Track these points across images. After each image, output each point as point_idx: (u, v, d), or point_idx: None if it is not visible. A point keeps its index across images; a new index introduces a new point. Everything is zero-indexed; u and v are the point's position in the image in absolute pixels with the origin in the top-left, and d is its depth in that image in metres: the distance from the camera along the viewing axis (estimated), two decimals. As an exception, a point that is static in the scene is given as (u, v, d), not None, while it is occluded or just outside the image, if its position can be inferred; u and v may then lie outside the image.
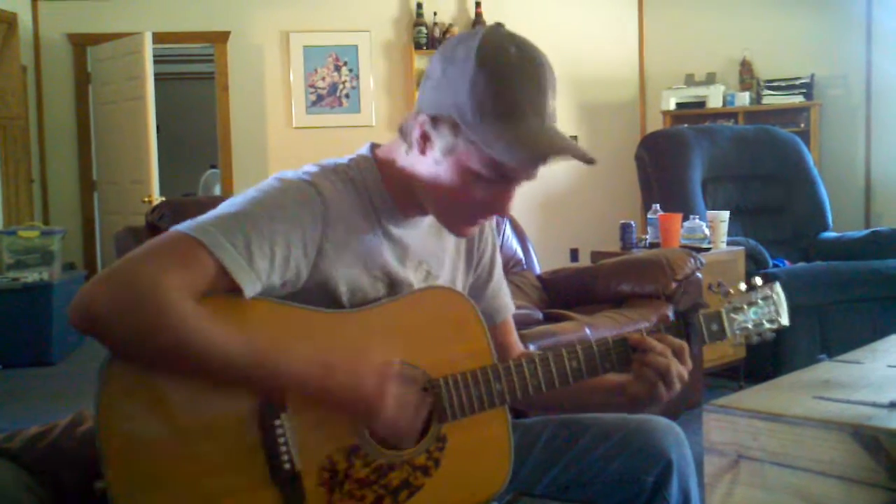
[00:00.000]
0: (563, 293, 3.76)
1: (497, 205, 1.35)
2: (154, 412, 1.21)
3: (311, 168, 1.38)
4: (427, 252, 1.47)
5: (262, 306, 1.28)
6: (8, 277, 5.68)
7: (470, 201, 1.34)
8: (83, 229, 7.01)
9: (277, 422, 1.25)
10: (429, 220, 1.48)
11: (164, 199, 5.79)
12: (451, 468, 1.36)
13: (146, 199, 6.17)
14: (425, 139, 1.32)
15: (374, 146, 1.45)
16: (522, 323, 2.94)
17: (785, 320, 1.51)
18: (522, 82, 1.26)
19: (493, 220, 1.60)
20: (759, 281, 1.51)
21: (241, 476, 1.24)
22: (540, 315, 3.20)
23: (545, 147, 1.27)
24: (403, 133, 1.36)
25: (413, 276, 1.44)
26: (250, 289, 1.24)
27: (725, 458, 1.11)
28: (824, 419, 1.04)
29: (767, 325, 1.50)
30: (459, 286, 1.54)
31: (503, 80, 1.26)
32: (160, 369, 1.20)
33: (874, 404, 1.10)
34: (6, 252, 5.86)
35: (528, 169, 1.31)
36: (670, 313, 3.24)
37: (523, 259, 3.90)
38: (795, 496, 1.05)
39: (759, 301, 1.50)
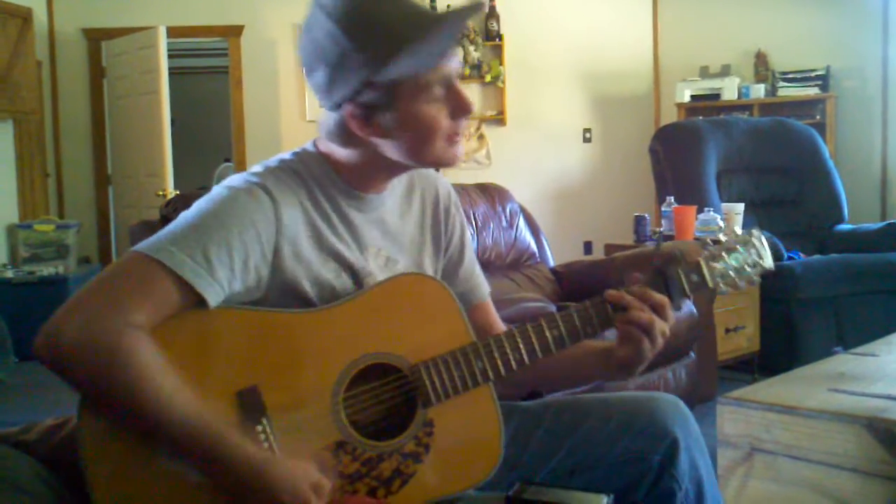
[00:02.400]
0: (576, 286, 3.75)
1: (459, 108, 1.36)
2: (133, 441, 1.21)
3: (256, 169, 1.39)
4: (387, 238, 1.47)
5: (232, 315, 1.28)
6: (24, 271, 5.71)
7: (438, 127, 1.35)
8: (98, 223, 7.04)
9: (259, 427, 1.25)
10: (392, 203, 1.49)
11: (178, 192, 5.81)
12: (443, 452, 1.35)
13: (160, 193, 6.19)
14: (365, 123, 1.33)
15: (316, 140, 1.46)
16: (536, 316, 2.94)
17: (768, 263, 1.47)
18: (392, 12, 1.28)
19: (458, 199, 1.62)
20: (738, 230, 1.49)
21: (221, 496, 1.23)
22: (553, 308, 3.20)
23: (436, 24, 1.28)
24: (333, 137, 1.37)
25: (373, 264, 1.43)
26: (213, 299, 1.24)
27: (739, 451, 1.11)
28: (838, 412, 1.04)
29: (750, 270, 1.46)
30: (429, 270, 1.53)
31: (360, 13, 1.28)
32: (117, 414, 1.20)
33: (889, 397, 1.09)
34: (22, 246, 5.90)
35: (444, 53, 1.31)
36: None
37: (537, 252, 3.90)
38: (809, 489, 1.05)
39: (738, 247, 1.47)
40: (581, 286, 3.73)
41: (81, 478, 1.21)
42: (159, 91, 6.29)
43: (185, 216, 1.30)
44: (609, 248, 4.49)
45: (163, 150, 6.30)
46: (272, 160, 1.42)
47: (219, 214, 1.29)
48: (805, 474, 1.05)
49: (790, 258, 4.60)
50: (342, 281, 1.39)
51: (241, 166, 7.02)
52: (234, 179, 1.36)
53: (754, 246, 1.48)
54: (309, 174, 1.40)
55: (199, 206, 1.32)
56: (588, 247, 7.18)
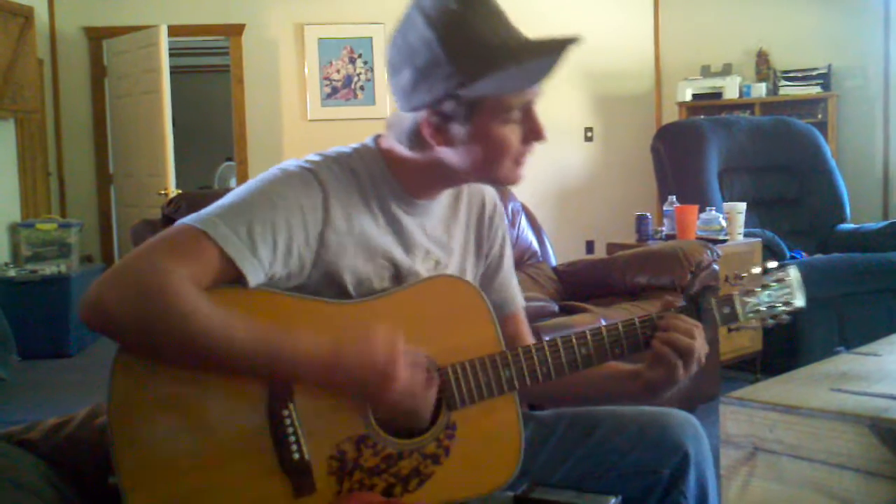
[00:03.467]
0: (578, 285, 3.75)
1: (533, 134, 1.37)
2: (164, 405, 1.22)
3: (312, 157, 1.38)
4: (435, 242, 1.47)
5: (268, 297, 1.29)
6: (26, 270, 5.72)
7: (509, 149, 1.35)
8: (100, 222, 7.04)
9: (286, 411, 1.25)
10: (440, 209, 1.49)
11: (180, 191, 5.81)
12: (462, 456, 1.36)
13: (162, 192, 6.19)
14: (439, 131, 1.33)
15: (378, 137, 1.45)
16: (538, 315, 2.94)
17: (800, 302, 1.49)
18: (476, 16, 1.29)
19: (503, 209, 1.62)
20: (773, 264, 1.50)
21: (251, 466, 1.24)
22: (556, 307, 3.20)
23: (532, 52, 1.29)
24: (402, 138, 1.37)
25: (420, 267, 1.43)
26: (253, 277, 1.25)
27: (742, 451, 1.10)
28: (841, 411, 1.04)
29: (782, 308, 1.48)
30: (469, 276, 1.53)
31: (459, 26, 1.28)
32: (172, 362, 1.21)
33: (892, 396, 1.09)
34: (24, 245, 5.90)
35: (535, 81, 1.32)
36: (682, 299, 3.23)
37: (539, 251, 3.90)
38: (812, 489, 1.05)
39: (773, 284, 1.48)
40: (583, 285, 3.74)
41: (85, 475, 1.21)
42: (161, 90, 6.29)
43: (236, 192, 1.31)
44: (611, 247, 4.48)
45: (164, 150, 6.30)
46: (331, 150, 1.42)
47: (268, 194, 1.30)
48: (808, 474, 1.05)
49: (792, 257, 4.60)
50: (382, 278, 1.39)
51: (242, 165, 7.02)
52: (289, 163, 1.37)
53: (788, 285, 1.49)
54: (365, 170, 1.40)
55: (250, 184, 1.33)
56: (590, 246, 7.18)
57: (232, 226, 1.24)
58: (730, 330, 1.52)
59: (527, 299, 2.50)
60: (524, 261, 3.82)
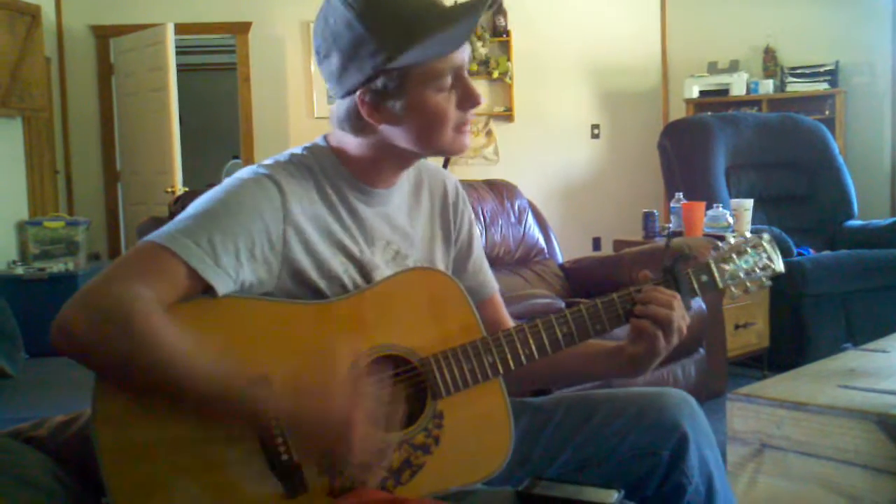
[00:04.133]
0: (585, 282, 3.75)
1: (467, 99, 1.38)
2: (148, 419, 1.22)
3: (266, 162, 1.40)
4: (396, 232, 1.47)
5: (241, 304, 1.29)
6: (34, 267, 5.73)
7: (447, 116, 1.37)
8: (107, 220, 7.06)
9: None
10: (401, 198, 1.50)
11: (186, 189, 5.82)
12: (452, 444, 1.36)
13: (169, 190, 6.20)
14: (376, 109, 1.34)
15: (327, 136, 1.47)
16: (544, 312, 2.93)
17: (779, 266, 1.50)
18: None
19: (465, 195, 1.63)
20: (747, 234, 1.51)
21: (242, 472, 1.24)
22: (562, 304, 3.20)
23: (451, 16, 1.31)
24: (344, 125, 1.39)
25: (379, 258, 1.43)
26: (221, 286, 1.25)
27: (749, 447, 1.10)
28: (849, 408, 1.04)
29: (761, 273, 1.49)
30: (440, 265, 1.54)
31: (376, 1, 1.30)
32: (138, 389, 1.21)
33: (900, 393, 1.09)
34: (32, 242, 5.92)
35: (458, 43, 1.34)
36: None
37: (545, 248, 3.90)
38: (819, 485, 1.05)
39: (749, 250, 1.49)
40: (590, 282, 3.73)
41: (93, 472, 1.21)
42: (167, 88, 6.30)
43: (194, 205, 1.32)
44: (618, 245, 4.48)
45: (171, 147, 6.31)
46: (283, 154, 1.44)
47: (226, 203, 1.31)
48: (815, 470, 1.05)
49: (800, 254, 4.59)
50: (350, 274, 1.39)
51: (249, 163, 7.00)
52: (244, 171, 1.38)
53: (765, 249, 1.50)
54: (319, 167, 1.41)
55: (207, 195, 1.33)
56: (597, 243, 7.17)
57: (193, 238, 1.25)
58: (729, 293, 1.51)
59: (533, 296, 2.51)
60: (531, 258, 3.82)
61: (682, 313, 1.42)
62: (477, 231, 1.65)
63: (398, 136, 1.37)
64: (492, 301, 1.63)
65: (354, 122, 1.37)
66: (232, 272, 1.27)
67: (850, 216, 5.28)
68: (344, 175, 1.42)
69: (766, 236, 1.52)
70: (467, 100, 1.38)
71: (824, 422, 1.05)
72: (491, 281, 1.65)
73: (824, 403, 1.06)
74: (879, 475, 1.00)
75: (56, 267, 5.74)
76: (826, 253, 4.73)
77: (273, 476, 1.25)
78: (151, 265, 1.23)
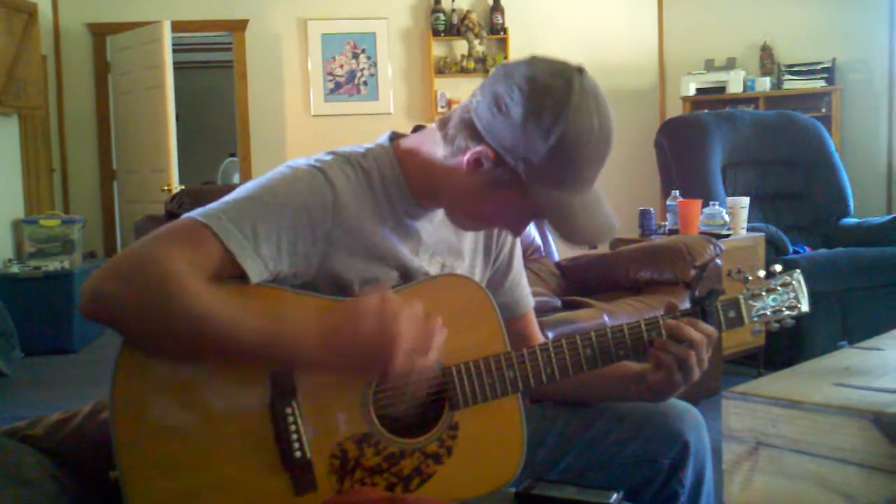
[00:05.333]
0: (581, 280, 3.75)
1: (514, 230, 1.42)
2: (166, 401, 1.22)
3: (324, 156, 1.36)
4: (442, 245, 1.46)
5: (270, 293, 1.28)
6: (29, 266, 5.73)
7: (493, 220, 1.38)
8: (103, 218, 7.05)
9: (288, 409, 1.25)
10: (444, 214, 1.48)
11: (183, 187, 5.81)
12: (464, 456, 1.36)
13: (165, 188, 6.20)
14: (477, 164, 1.29)
15: (394, 135, 1.43)
16: (540, 310, 2.93)
17: (805, 307, 1.49)
18: (594, 160, 1.30)
19: None
20: (778, 268, 1.50)
21: (253, 463, 1.24)
22: (558, 302, 3.20)
23: (584, 231, 1.32)
24: (448, 134, 1.32)
25: (428, 269, 1.42)
26: (255, 274, 1.23)
27: (744, 446, 1.10)
28: (844, 406, 1.04)
29: (787, 312, 1.48)
30: (477, 277, 1.52)
31: (581, 158, 1.28)
32: (173, 350, 1.20)
33: (895, 391, 1.09)
34: (27, 241, 5.91)
35: (583, 240, 1.34)
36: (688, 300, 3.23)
37: (542, 246, 3.89)
38: (815, 483, 1.05)
39: (779, 288, 1.48)
40: (586, 280, 3.74)
41: (89, 470, 1.21)
42: (164, 86, 6.30)
43: (244, 188, 1.30)
44: (614, 242, 4.47)
45: (168, 145, 6.31)
46: (343, 149, 1.39)
47: (276, 192, 1.28)
48: (811, 468, 1.05)
49: (796, 252, 4.59)
50: (389, 280, 1.37)
51: (245, 161, 7.03)
52: (299, 161, 1.35)
53: (794, 289, 1.49)
54: (377, 172, 1.37)
55: (258, 181, 1.31)
56: (593, 241, 7.17)
57: (236, 222, 1.23)
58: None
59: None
60: (527, 256, 3.81)
61: (704, 349, 1.40)
62: (519, 249, 1.63)
63: (449, 182, 1.34)
64: (525, 317, 1.61)
65: (456, 145, 1.31)
66: (270, 263, 1.25)
67: (847, 214, 5.29)
68: (400, 185, 1.37)
69: (797, 275, 1.51)
70: (512, 231, 1.44)
71: (820, 420, 1.05)
72: (527, 297, 1.63)
73: (820, 402, 1.06)
74: (875, 473, 1.00)
75: (52, 265, 5.73)
76: (822, 251, 4.74)
77: (284, 471, 1.25)
78: (189, 238, 1.21)
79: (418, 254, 1.42)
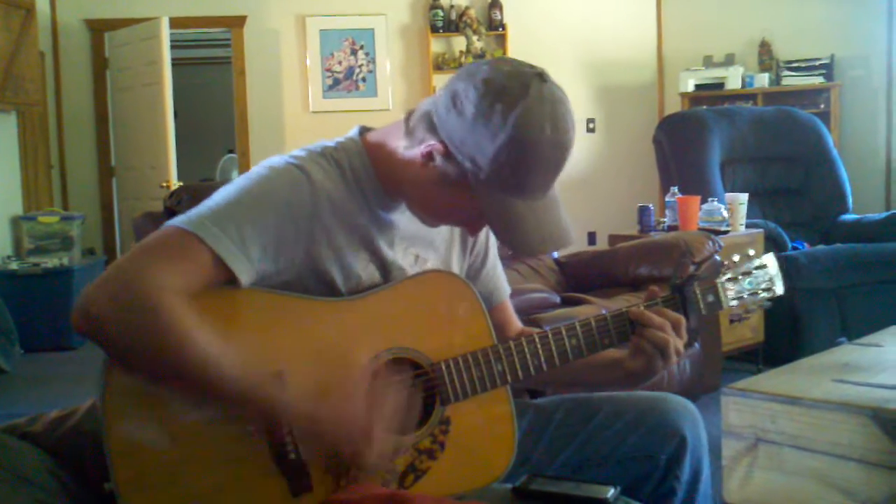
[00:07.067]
0: (580, 276, 3.75)
1: (469, 229, 1.43)
2: (157, 410, 1.22)
3: (298, 153, 1.37)
4: (416, 237, 1.46)
5: (260, 297, 1.28)
6: (28, 263, 5.73)
7: (446, 216, 1.39)
8: (102, 214, 7.05)
9: None
10: None
11: (181, 184, 5.81)
12: (457, 450, 1.37)
13: (164, 185, 6.19)
14: (429, 157, 1.30)
15: (363, 129, 1.44)
16: (539, 307, 2.94)
17: (780, 289, 1.54)
18: (544, 167, 1.28)
19: None
20: (752, 252, 1.53)
21: (248, 467, 1.24)
22: (557, 298, 3.20)
23: (528, 240, 1.31)
24: (409, 126, 1.34)
25: (402, 261, 1.43)
26: (245, 277, 1.24)
27: (744, 442, 1.11)
28: (843, 402, 1.04)
29: (763, 294, 1.52)
30: (455, 269, 1.53)
31: (528, 163, 1.26)
32: (155, 379, 1.20)
33: (894, 387, 1.09)
34: (26, 237, 5.91)
35: (535, 248, 1.34)
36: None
37: (541, 243, 3.89)
38: (814, 479, 1.05)
39: (754, 271, 1.52)
40: (585, 277, 3.74)
41: (88, 467, 1.21)
42: (162, 82, 6.29)
43: (224, 192, 1.30)
44: (613, 239, 4.48)
45: (166, 142, 6.30)
46: (315, 145, 1.40)
47: (256, 193, 1.29)
48: (810, 464, 1.05)
49: (794, 248, 4.60)
50: (370, 273, 1.38)
51: (244, 157, 7.02)
52: (275, 160, 1.36)
53: (769, 272, 1.53)
54: (348, 164, 1.38)
55: (237, 183, 1.32)
56: (592, 237, 7.18)
57: (222, 227, 1.23)
58: (731, 321, 1.54)
59: (529, 291, 2.50)
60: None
61: (682, 334, 1.43)
62: (494, 239, 1.63)
63: (408, 174, 1.34)
64: (502, 306, 1.63)
65: (414, 137, 1.32)
66: (258, 263, 1.26)
67: (845, 210, 5.29)
68: (371, 177, 1.38)
69: (771, 257, 1.55)
70: (468, 228, 1.43)
71: (819, 416, 1.05)
72: (503, 286, 1.64)
73: (819, 398, 1.06)
74: (874, 469, 1.01)
75: (51, 262, 5.73)
76: (821, 247, 4.74)
77: (278, 474, 1.25)
78: (178, 251, 1.21)
79: (393, 246, 1.42)
